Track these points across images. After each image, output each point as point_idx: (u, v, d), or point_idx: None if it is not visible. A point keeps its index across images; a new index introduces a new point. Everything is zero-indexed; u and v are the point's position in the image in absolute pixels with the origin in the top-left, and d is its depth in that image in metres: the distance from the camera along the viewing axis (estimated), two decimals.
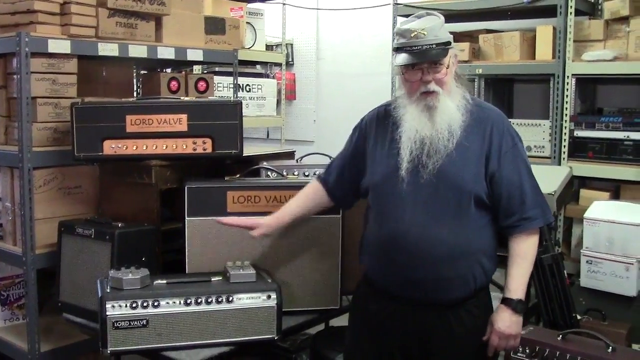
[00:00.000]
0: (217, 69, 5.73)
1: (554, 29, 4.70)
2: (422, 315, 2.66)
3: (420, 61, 2.56)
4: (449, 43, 2.58)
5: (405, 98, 2.67)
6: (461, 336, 2.66)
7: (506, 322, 2.62)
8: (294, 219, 3.04)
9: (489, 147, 2.60)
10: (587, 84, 5.02)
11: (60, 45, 3.57)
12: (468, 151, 2.59)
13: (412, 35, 2.54)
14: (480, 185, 2.58)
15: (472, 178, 2.58)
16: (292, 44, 7.25)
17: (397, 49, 2.60)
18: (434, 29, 2.55)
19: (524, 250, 2.67)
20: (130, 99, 3.80)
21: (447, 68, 2.59)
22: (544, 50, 4.80)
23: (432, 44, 2.54)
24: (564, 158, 4.68)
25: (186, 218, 3.18)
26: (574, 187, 4.67)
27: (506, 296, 2.65)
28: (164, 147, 3.34)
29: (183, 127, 3.34)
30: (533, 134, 4.81)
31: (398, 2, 5.39)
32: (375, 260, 2.75)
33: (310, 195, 3.02)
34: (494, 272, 2.73)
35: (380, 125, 2.79)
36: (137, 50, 3.90)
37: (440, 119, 2.57)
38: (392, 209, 2.64)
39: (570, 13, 4.55)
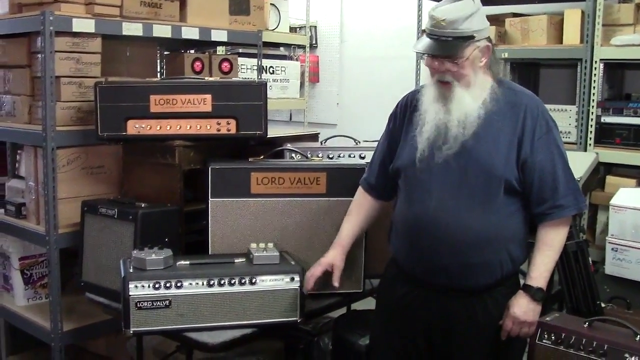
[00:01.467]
0: (240, 50, 5.71)
1: (583, 12, 4.64)
2: (446, 301, 2.64)
3: (432, 53, 2.52)
4: (471, 37, 2.49)
5: (428, 81, 2.66)
6: (485, 324, 2.64)
7: (522, 308, 2.60)
8: (354, 242, 3.06)
9: (522, 133, 2.55)
10: (615, 69, 4.95)
11: (84, 25, 3.56)
12: (500, 136, 2.55)
13: (434, 22, 2.50)
14: (511, 171, 2.54)
15: (502, 163, 2.54)
16: (315, 27, 7.22)
17: (423, 32, 2.57)
18: (457, 20, 2.46)
19: (552, 239, 2.63)
20: (154, 79, 3.78)
21: (466, 60, 2.52)
22: (571, 35, 4.74)
23: (449, 37, 2.47)
24: (590, 144, 4.63)
25: (210, 199, 3.16)
26: (599, 173, 4.62)
27: (526, 283, 2.62)
28: (188, 128, 3.33)
29: (207, 108, 3.32)
30: (559, 119, 4.74)
31: None
32: (401, 243, 2.74)
33: (363, 211, 3.01)
34: (524, 260, 2.70)
35: (409, 108, 2.77)
36: (161, 30, 3.89)
37: (454, 109, 2.54)
38: (419, 192, 2.62)
39: None
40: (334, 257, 2.97)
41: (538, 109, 2.61)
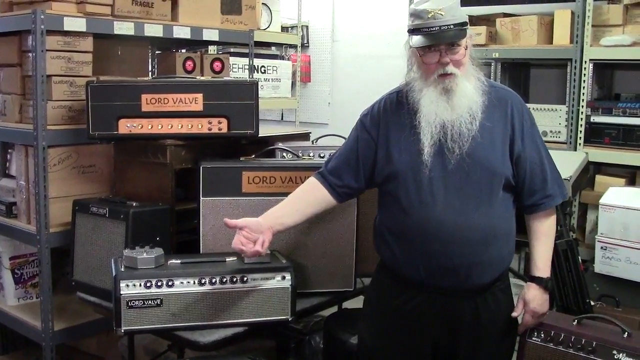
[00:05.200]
0: (232, 49, 5.71)
1: (573, 13, 4.67)
2: (451, 303, 2.62)
3: (439, 43, 2.49)
4: (466, 23, 2.52)
5: (421, 81, 2.58)
6: (486, 322, 2.64)
7: (539, 300, 2.66)
8: (291, 226, 2.85)
9: (512, 129, 2.58)
10: (605, 70, 4.99)
11: (75, 24, 3.56)
12: (493, 133, 2.55)
13: (429, 15, 2.47)
14: (508, 167, 2.57)
15: (500, 160, 2.56)
16: (307, 26, 7.24)
17: (413, 31, 2.53)
18: (451, 8, 2.47)
19: (547, 228, 2.69)
20: (146, 78, 3.79)
21: (465, 49, 2.54)
22: (561, 35, 4.77)
23: (450, 25, 2.46)
24: (580, 144, 4.66)
25: (201, 198, 3.16)
26: (589, 173, 4.65)
27: (536, 275, 2.67)
28: (179, 127, 3.34)
29: (199, 107, 3.33)
30: (549, 119, 4.79)
31: None
32: (400, 250, 2.66)
33: (313, 204, 2.82)
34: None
35: (394, 112, 2.70)
36: (153, 30, 3.89)
37: (460, 102, 2.51)
38: (421, 196, 2.56)
39: None
40: (267, 229, 2.71)
41: (521, 104, 2.65)
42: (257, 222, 2.71)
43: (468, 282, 2.59)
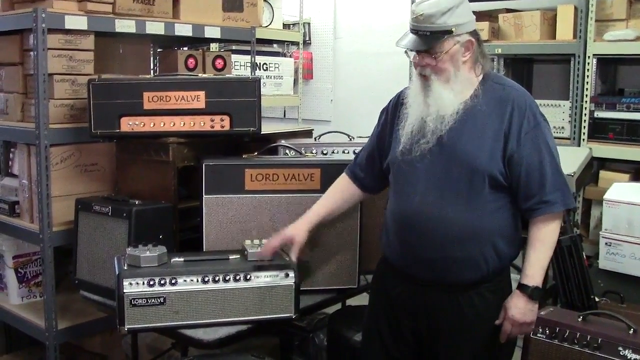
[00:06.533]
0: (234, 47, 5.71)
1: (575, 8, 4.66)
2: (431, 295, 2.65)
3: (410, 48, 2.55)
4: (449, 31, 2.48)
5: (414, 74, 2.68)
6: (472, 320, 2.63)
7: (521, 309, 2.59)
8: (321, 220, 2.96)
9: (509, 127, 2.53)
10: (608, 64, 4.97)
11: (77, 22, 3.54)
12: (485, 130, 2.53)
13: (414, 17, 2.52)
14: (496, 165, 2.52)
15: (486, 158, 2.52)
16: (309, 23, 7.24)
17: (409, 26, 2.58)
18: (434, 15, 2.46)
19: (543, 235, 2.60)
20: (148, 76, 3.78)
21: (445, 55, 2.51)
22: (564, 30, 4.76)
23: (425, 32, 2.49)
24: (583, 139, 4.65)
25: (204, 196, 3.15)
26: (593, 168, 4.65)
27: (522, 282, 2.60)
28: (182, 124, 3.32)
29: (201, 104, 3.32)
30: (553, 114, 4.78)
31: None
32: (389, 238, 2.75)
33: (339, 193, 2.97)
34: (515, 256, 2.69)
35: (402, 105, 2.74)
36: (154, 27, 3.88)
37: (432, 103, 2.55)
38: (406, 186, 2.64)
39: None
40: (296, 230, 2.89)
41: (526, 103, 2.57)
42: (300, 237, 2.90)
43: (446, 277, 2.61)
